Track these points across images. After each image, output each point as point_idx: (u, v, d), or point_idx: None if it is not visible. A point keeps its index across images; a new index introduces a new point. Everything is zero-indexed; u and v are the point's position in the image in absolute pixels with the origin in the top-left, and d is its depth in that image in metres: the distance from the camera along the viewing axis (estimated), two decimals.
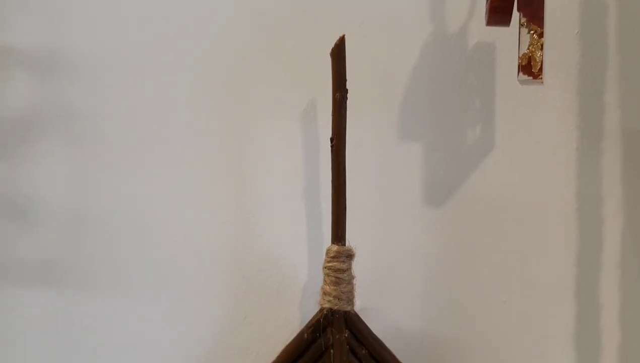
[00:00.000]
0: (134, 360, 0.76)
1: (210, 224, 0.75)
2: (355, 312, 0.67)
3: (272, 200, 0.74)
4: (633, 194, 0.66)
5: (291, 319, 0.73)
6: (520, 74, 0.55)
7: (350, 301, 0.67)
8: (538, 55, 0.54)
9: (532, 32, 0.55)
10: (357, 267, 0.67)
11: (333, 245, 0.67)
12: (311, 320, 0.68)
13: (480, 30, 0.71)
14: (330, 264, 0.67)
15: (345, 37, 0.64)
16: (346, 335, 0.68)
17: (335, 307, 0.67)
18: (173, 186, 0.76)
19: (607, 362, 0.67)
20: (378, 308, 0.70)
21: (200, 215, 0.75)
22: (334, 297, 0.67)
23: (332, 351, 0.68)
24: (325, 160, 0.69)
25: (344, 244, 0.67)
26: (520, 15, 0.57)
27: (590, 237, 0.67)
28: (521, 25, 0.56)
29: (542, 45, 0.54)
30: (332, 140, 0.65)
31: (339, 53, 0.65)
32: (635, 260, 0.66)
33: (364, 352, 0.68)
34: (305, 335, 0.68)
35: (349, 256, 0.67)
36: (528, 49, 0.54)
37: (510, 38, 0.65)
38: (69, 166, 0.78)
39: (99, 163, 0.77)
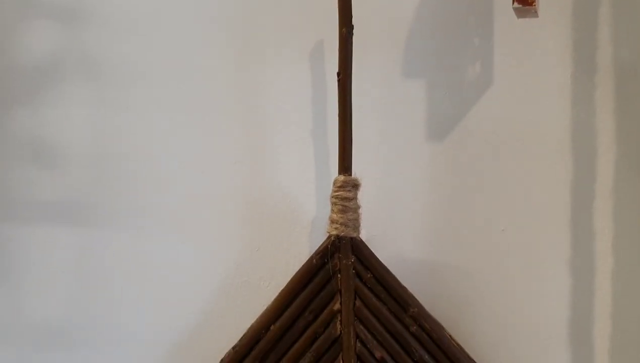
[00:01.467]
0: (153, 292, 0.81)
1: (224, 163, 0.79)
2: (360, 239, 0.72)
3: (282, 139, 0.78)
4: (626, 125, 0.69)
5: (301, 250, 0.77)
6: (515, 2, 0.58)
7: (356, 228, 0.71)
8: None
9: None
10: (362, 199, 0.71)
11: (340, 175, 0.71)
12: (320, 246, 0.72)
13: None
14: (337, 193, 0.71)
15: None
16: (352, 260, 0.72)
17: (342, 234, 0.71)
18: (188, 127, 0.80)
19: (601, 285, 0.70)
20: (382, 238, 0.74)
21: (214, 154, 0.79)
22: (341, 224, 0.71)
23: (339, 275, 0.72)
24: (333, 99, 0.72)
25: (350, 174, 0.71)
26: None
27: (584, 167, 0.70)
28: None
29: None
30: (338, 74, 0.69)
31: None
32: (628, 188, 0.69)
33: (369, 276, 0.72)
34: (314, 260, 0.72)
35: (355, 186, 0.71)
36: None
37: None
38: (88, 109, 0.82)
39: (117, 106, 0.81)
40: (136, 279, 0.81)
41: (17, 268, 0.84)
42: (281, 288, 0.73)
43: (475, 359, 0.70)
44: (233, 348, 0.75)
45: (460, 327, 0.72)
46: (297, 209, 0.77)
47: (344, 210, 0.70)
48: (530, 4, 0.56)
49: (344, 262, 0.71)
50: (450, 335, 0.70)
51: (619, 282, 0.70)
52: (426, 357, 0.70)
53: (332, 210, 0.71)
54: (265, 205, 0.78)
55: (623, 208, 0.69)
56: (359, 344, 0.72)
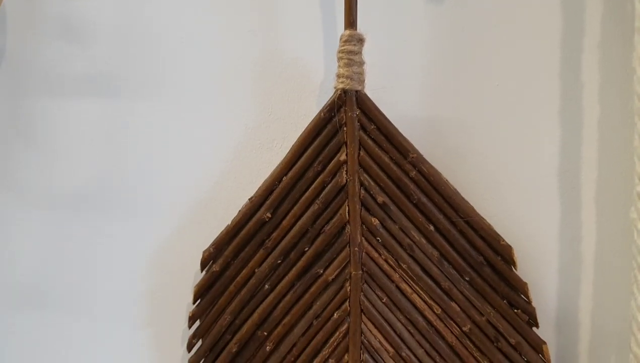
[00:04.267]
0: (176, 157, 0.87)
1: (237, 32, 0.84)
2: (364, 93, 0.77)
3: (291, 4, 0.83)
4: None
5: (310, 113, 0.82)
6: None
7: (361, 82, 0.77)
8: None
9: None
10: (366, 56, 0.76)
11: (346, 30, 0.76)
12: (327, 101, 0.78)
13: None
14: (343, 47, 0.76)
15: None
16: (357, 113, 0.77)
17: (348, 87, 0.76)
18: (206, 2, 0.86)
19: (588, 134, 0.75)
20: (384, 93, 0.79)
21: (227, 24, 0.84)
22: (347, 77, 0.76)
23: (345, 128, 0.78)
24: None
25: (356, 29, 0.76)
26: None
27: (572, 22, 0.74)
28: None
29: None
30: None
31: None
32: (615, 42, 0.74)
33: (372, 127, 0.77)
34: (322, 114, 0.78)
35: (360, 40, 0.76)
36: None
37: None
38: None
39: None
40: (160, 147, 0.88)
41: (50, 140, 0.91)
42: None
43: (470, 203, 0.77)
44: (249, 199, 0.82)
45: (456, 177, 0.78)
46: (306, 73, 0.83)
47: (349, 64, 0.75)
48: None
49: (350, 114, 0.77)
50: (446, 180, 0.77)
51: (605, 130, 0.74)
52: (424, 199, 0.77)
53: (339, 65, 0.76)
54: (276, 70, 0.83)
55: (609, 61, 0.74)
56: (363, 191, 0.79)
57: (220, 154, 0.86)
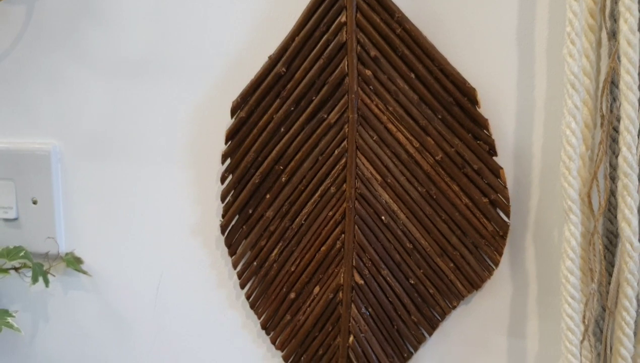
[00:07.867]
0: (208, 29, 1.07)
1: None
2: None
3: None
4: None
5: None
6: None
7: None
8: None
9: None
10: None
11: None
12: None
13: None
14: None
15: None
16: None
17: None
18: None
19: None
20: None
21: None
22: None
23: None
24: None
25: None
26: None
27: None
28: None
29: None
30: None
31: None
32: None
33: None
34: None
35: None
36: None
37: None
38: None
39: None
40: (197, 21, 1.07)
41: (111, 15, 1.11)
42: None
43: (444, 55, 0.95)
44: (269, 57, 1.01)
45: (435, 36, 0.95)
46: None
47: None
48: None
49: None
50: (425, 35, 0.94)
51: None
52: (407, 52, 0.95)
53: None
54: None
55: None
56: (359, 47, 0.97)
57: (246, 25, 1.05)
